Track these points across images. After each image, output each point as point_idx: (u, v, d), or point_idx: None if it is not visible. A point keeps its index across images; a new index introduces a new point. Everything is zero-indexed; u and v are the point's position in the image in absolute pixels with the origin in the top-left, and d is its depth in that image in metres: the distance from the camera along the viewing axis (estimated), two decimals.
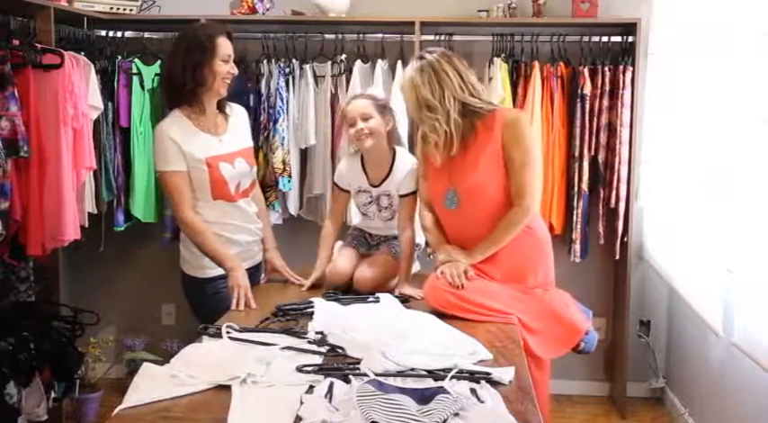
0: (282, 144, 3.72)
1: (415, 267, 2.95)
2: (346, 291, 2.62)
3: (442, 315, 2.27)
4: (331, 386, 1.65)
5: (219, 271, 2.62)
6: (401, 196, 2.70)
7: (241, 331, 2.06)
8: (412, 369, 1.76)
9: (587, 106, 3.70)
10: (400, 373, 1.75)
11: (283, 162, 3.72)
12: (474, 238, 2.50)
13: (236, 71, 2.65)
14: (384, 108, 2.69)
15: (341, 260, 2.72)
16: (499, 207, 2.47)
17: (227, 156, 2.65)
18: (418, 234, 2.89)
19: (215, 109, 2.70)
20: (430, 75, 2.43)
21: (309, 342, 1.99)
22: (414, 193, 2.69)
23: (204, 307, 2.66)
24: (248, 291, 2.51)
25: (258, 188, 2.93)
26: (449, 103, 2.41)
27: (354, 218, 3.01)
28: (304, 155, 3.91)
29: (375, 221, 2.80)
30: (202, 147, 2.61)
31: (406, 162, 2.72)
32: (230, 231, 2.68)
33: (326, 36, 3.85)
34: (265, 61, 3.78)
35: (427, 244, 3.75)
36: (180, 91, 2.59)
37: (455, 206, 2.51)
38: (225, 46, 2.61)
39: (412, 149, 3.72)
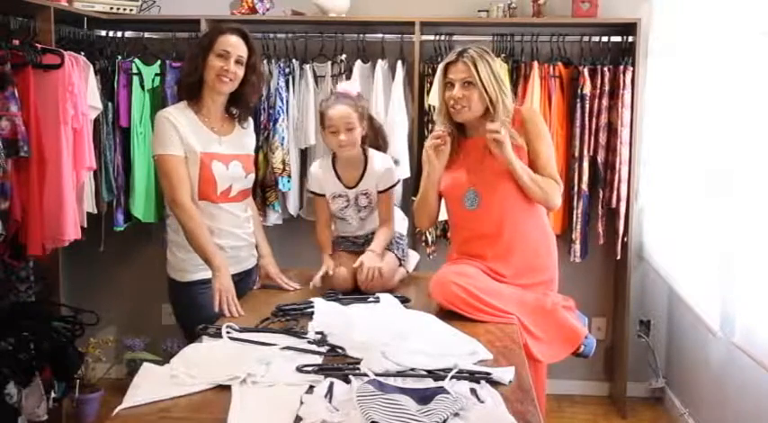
0: (282, 144, 3.72)
1: (414, 263, 2.94)
2: (349, 291, 2.59)
3: (442, 315, 2.27)
4: (331, 386, 1.65)
5: (201, 275, 2.56)
6: (380, 192, 2.72)
7: (241, 331, 2.06)
8: (412, 369, 1.76)
9: (587, 106, 3.70)
10: (400, 373, 1.75)
11: (283, 162, 3.72)
12: (493, 239, 2.50)
13: (232, 69, 2.54)
14: (363, 113, 2.68)
15: (342, 266, 2.65)
16: (519, 204, 2.49)
17: (223, 156, 2.59)
18: (398, 224, 2.88)
19: (221, 109, 2.65)
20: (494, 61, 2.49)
21: (309, 342, 1.98)
22: (391, 187, 2.72)
23: (185, 313, 2.61)
24: (233, 296, 2.41)
25: (251, 197, 2.82)
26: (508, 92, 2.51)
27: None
28: (304, 155, 3.91)
29: (353, 224, 2.78)
30: (200, 141, 2.55)
31: (379, 159, 2.74)
32: (214, 235, 2.57)
33: (326, 36, 3.85)
34: (265, 61, 3.77)
35: (426, 243, 3.79)
36: (183, 83, 2.61)
37: (476, 206, 2.51)
38: (224, 42, 2.54)
39: (411, 148, 3.76)
